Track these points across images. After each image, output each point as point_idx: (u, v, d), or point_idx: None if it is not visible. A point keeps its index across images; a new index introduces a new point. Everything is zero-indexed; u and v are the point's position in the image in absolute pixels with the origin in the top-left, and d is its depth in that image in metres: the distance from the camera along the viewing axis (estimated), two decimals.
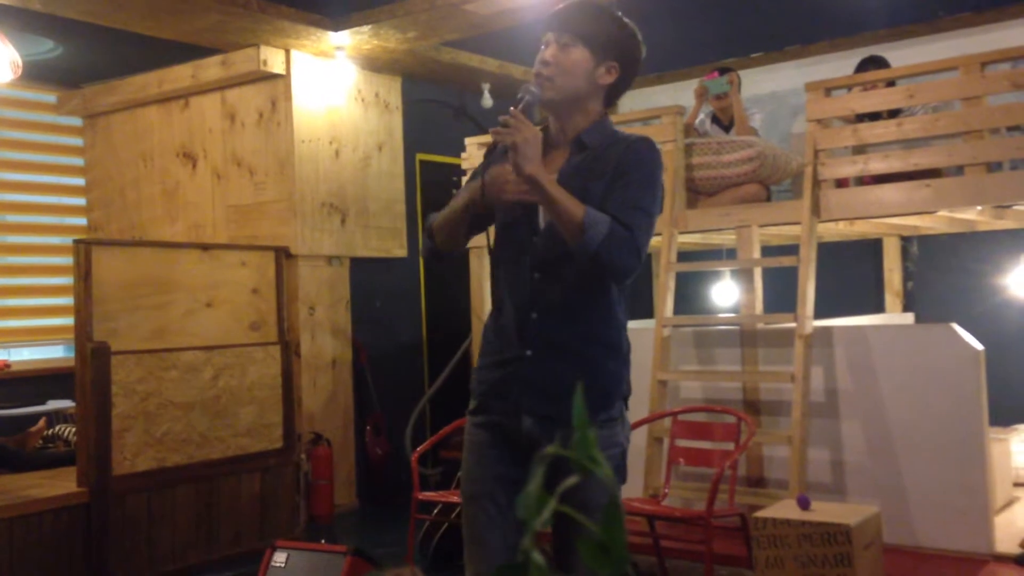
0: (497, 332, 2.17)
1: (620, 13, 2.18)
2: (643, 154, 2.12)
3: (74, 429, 4.87)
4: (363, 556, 3.43)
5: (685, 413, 4.20)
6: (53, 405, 5.30)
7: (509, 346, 2.12)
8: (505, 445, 2.13)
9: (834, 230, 4.76)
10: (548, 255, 2.10)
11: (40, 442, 5.12)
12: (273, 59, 5.43)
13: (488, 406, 2.16)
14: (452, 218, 2.17)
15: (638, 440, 3.80)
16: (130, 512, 4.36)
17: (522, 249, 2.13)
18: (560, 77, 2.09)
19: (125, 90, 6.05)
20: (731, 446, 3.90)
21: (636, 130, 4.93)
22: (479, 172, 2.29)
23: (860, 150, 4.39)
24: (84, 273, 4.31)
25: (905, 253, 5.82)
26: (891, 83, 4.53)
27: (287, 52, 5.49)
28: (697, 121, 5.18)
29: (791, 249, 4.54)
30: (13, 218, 6.07)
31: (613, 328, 2.14)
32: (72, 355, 4.63)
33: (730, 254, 5.78)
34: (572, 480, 0.55)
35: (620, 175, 2.08)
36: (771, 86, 5.93)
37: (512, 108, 2.02)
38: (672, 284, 4.52)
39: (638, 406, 3.86)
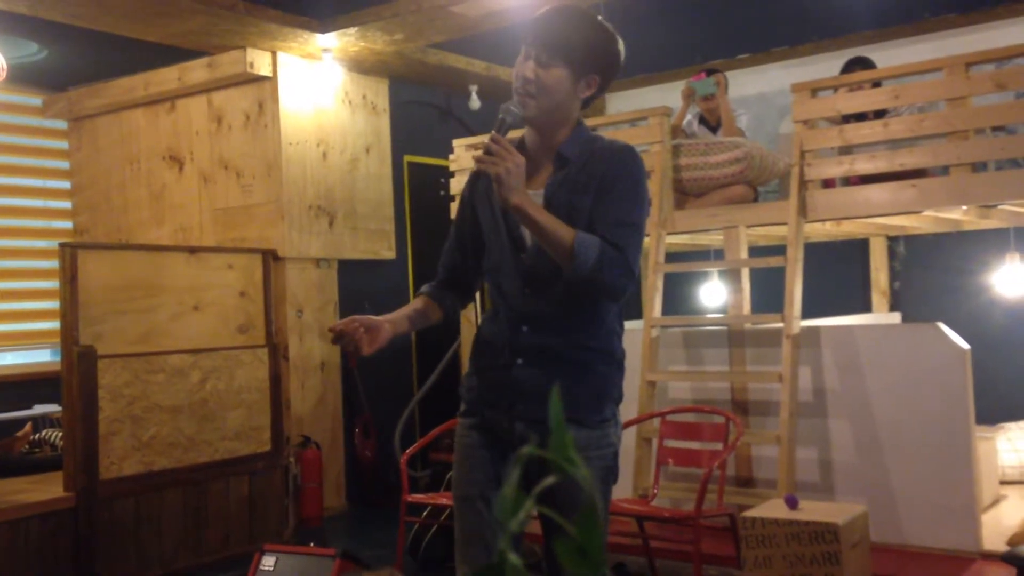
0: (490, 339, 2.18)
1: (600, 17, 2.15)
2: (627, 166, 2.10)
3: (60, 434, 4.84)
4: (352, 559, 3.42)
5: (674, 413, 4.20)
6: (39, 409, 5.27)
7: (500, 354, 2.14)
8: (497, 446, 2.14)
9: (821, 230, 4.78)
10: (537, 271, 2.09)
11: (26, 447, 5.09)
12: (260, 61, 5.42)
13: (480, 410, 2.17)
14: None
15: (627, 441, 3.80)
16: (117, 517, 4.34)
17: (510, 265, 2.13)
18: (541, 96, 2.06)
19: (111, 93, 6.03)
20: (720, 446, 3.91)
21: (624, 132, 4.94)
22: (465, 196, 2.27)
23: (846, 151, 4.41)
24: (70, 277, 4.29)
25: (891, 253, 5.85)
26: (877, 84, 4.55)
27: (274, 54, 5.48)
28: (684, 122, 5.19)
29: (778, 250, 4.55)
30: None
31: (604, 335, 2.14)
32: (58, 359, 4.60)
33: (718, 255, 5.79)
34: (550, 480, 0.55)
35: (606, 189, 2.06)
36: (758, 87, 5.95)
37: (494, 133, 1.98)
38: (660, 285, 4.53)
39: (627, 407, 3.85)
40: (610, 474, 2.16)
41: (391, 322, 2.12)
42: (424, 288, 2.29)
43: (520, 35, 2.11)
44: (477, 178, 2.21)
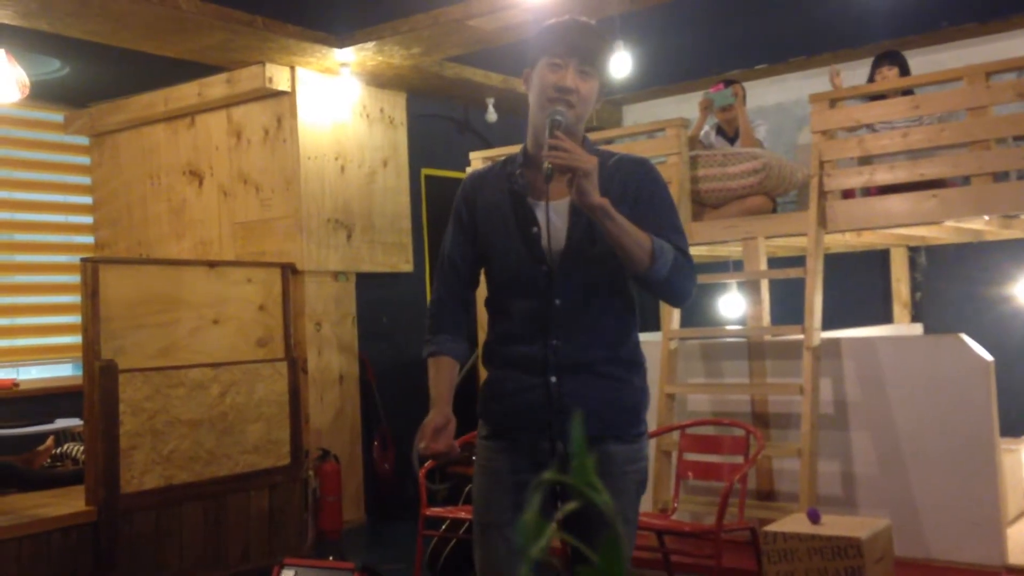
0: (514, 360, 2.10)
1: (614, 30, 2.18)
2: (654, 174, 2.13)
3: (82, 447, 4.87)
4: (371, 572, 3.42)
5: (693, 426, 4.18)
6: (61, 423, 5.30)
7: (530, 373, 2.07)
8: (529, 472, 2.06)
9: (841, 241, 4.75)
10: (566, 283, 2.05)
11: (48, 461, 5.12)
12: (278, 76, 5.45)
13: (512, 433, 2.10)
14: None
15: None
16: (138, 530, 4.36)
17: (533, 279, 2.07)
18: (580, 106, 2.05)
19: (131, 109, 6.08)
20: (740, 459, 3.88)
21: (641, 143, 4.94)
22: (462, 211, 2.19)
23: (866, 161, 4.39)
24: (91, 291, 4.32)
25: (913, 263, 5.80)
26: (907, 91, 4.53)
27: (292, 69, 5.51)
28: (702, 133, 5.18)
29: (798, 261, 4.52)
30: (21, 237, 6.10)
31: (632, 346, 2.13)
32: (80, 373, 4.63)
33: (737, 266, 5.76)
34: (571, 506, 0.54)
35: (642, 199, 2.06)
36: (776, 97, 5.94)
37: (558, 133, 1.94)
38: None
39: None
40: (643, 486, 2.15)
41: (448, 408, 2.10)
42: (445, 345, 2.18)
43: (544, 44, 2.08)
44: (475, 191, 2.17)
